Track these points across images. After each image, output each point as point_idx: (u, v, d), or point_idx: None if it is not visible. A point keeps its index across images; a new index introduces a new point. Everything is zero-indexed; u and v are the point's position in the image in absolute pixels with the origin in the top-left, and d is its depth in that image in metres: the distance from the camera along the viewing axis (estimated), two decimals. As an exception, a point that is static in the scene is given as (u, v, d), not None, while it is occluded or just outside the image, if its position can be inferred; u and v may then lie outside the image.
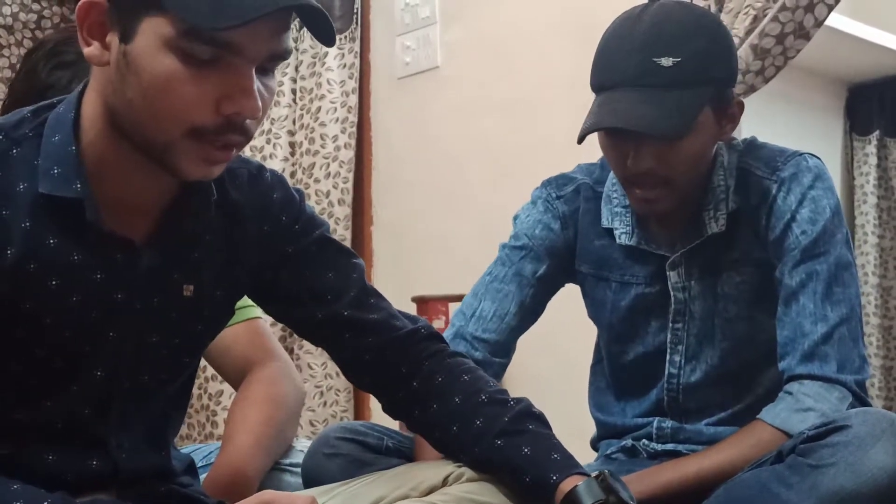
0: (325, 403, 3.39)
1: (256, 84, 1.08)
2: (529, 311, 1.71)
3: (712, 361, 1.62)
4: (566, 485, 1.19)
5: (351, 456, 1.49)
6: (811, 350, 1.49)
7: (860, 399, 1.48)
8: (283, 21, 1.08)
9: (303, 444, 1.62)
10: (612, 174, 1.64)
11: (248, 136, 1.11)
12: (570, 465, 1.22)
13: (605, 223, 1.66)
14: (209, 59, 1.05)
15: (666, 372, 1.64)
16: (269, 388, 1.61)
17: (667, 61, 1.44)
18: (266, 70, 1.10)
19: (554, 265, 1.71)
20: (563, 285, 1.77)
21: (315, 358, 3.41)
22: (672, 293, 1.62)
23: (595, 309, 1.74)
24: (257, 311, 1.70)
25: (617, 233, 1.64)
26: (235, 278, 1.30)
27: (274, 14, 1.03)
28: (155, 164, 1.11)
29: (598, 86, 1.53)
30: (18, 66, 3.51)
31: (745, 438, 1.48)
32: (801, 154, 1.59)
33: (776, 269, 1.56)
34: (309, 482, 1.51)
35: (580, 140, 1.51)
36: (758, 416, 1.49)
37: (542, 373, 2.62)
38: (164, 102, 1.05)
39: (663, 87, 1.45)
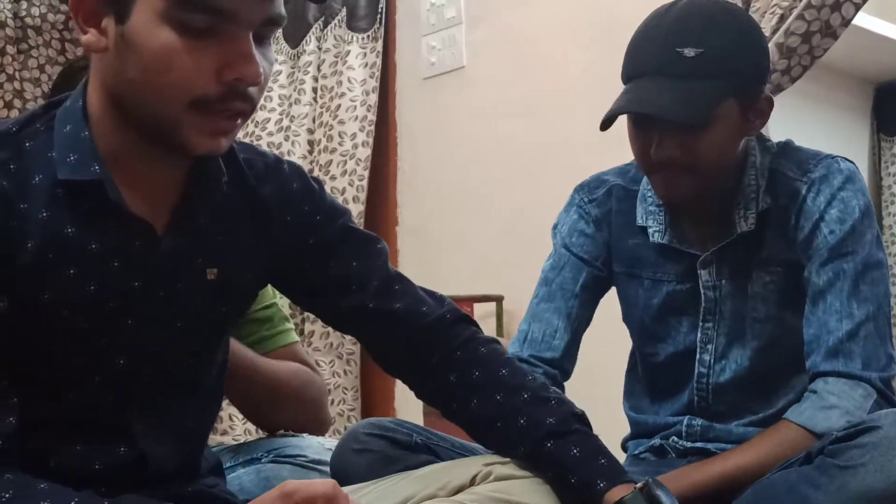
0: (332, 402, 3.41)
1: (255, 53, 1.09)
2: (579, 321, 1.73)
3: (741, 362, 1.62)
4: (613, 494, 1.19)
5: (380, 452, 1.48)
6: (836, 347, 1.49)
7: (885, 396, 1.47)
8: None
9: (330, 443, 1.63)
10: None
11: (252, 104, 1.12)
12: (617, 472, 1.22)
13: (639, 221, 1.68)
14: (205, 29, 1.05)
15: (696, 371, 1.64)
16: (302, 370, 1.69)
17: (690, 52, 1.46)
18: (262, 39, 1.11)
19: (595, 270, 1.74)
20: (609, 288, 1.78)
21: (323, 355, 3.44)
22: (703, 292, 1.62)
23: (628, 308, 1.75)
24: (294, 336, 1.75)
25: (650, 231, 1.66)
26: (261, 263, 1.30)
27: None
28: (163, 145, 1.12)
29: (625, 76, 1.55)
30: (47, 67, 3.56)
31: (771, 438, 1.47)
32: (834, 157, 1.59)
33: (804, 270, 1.56)
34: (337, 477, 1.49)
35: (603, 127, 1.54)
36: (784, 416, 1.48)
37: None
38: (164, 76, 1.06)
39: (685, 76, 1.47)
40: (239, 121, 1.12)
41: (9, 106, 3.48)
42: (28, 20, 3.57)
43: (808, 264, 1.55)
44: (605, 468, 1.22)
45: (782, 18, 2.21)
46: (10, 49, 3.51)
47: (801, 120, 3.50)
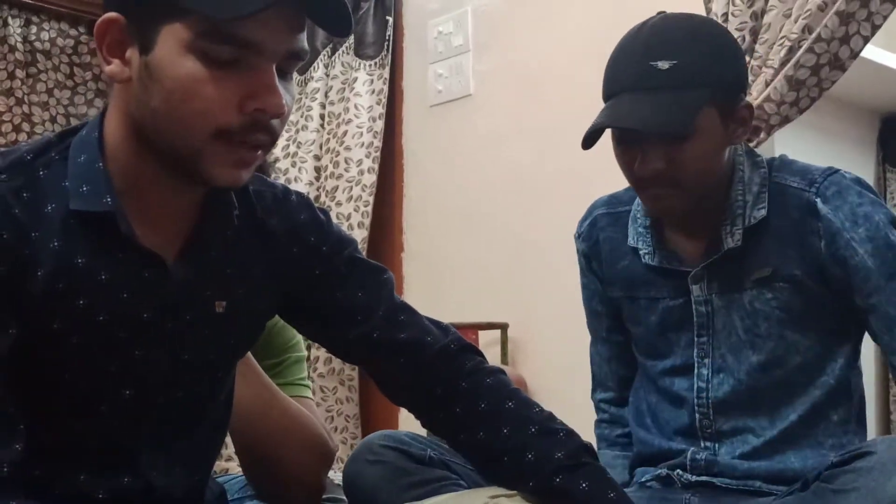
0: (336, 429, 3.42)
1: (278, 85, 1.09)
2: (622, 355, 1.83)
3: (740, 376, 1.62)
4: None
5: (393, 464, 1.50)
6: None
7: None
8: (298, 19, 1.09)
9: (339, 478, 1.62)
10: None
11: (274, 136, 1.12)
12: None
13: (630, 242, 1.70)
14: (230, 60, 1.06)
15: (695, 386, 1.65)
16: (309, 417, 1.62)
17: (664, 64, 1.48)
18: (285, 73, 1.11)
19: (608, 312, 1.81)
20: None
21: (326, 381, 3.44)
22: (695, 307, 1.64)
23: (632, 328, 1.76)
24: (308, 392, 1.71)
25: (641, 253, 1.68)
26: (269, 295, 1.31)
27: (288, 4, 1.05)
28: (183, 175, 1.12)
29: (604, 95, 1.57)
30: (56, 91, 3.57)
31: None
32: (837, 170, 1.60)
33: (820, 282, 1.57)
34: (350, 487, 1.52)
35: (586, 145, 1.55)
36: None
37: (565, 389, 2.61)
38: (188, 106, 1.06)
39: (661, 88, 1.48)
40: (259, 153, 1.12)
41: (17, 129, 3.50)
42: (37, 44, 3.59)
43: (852, 290, 1.55)
44: (615, 501, 1.22)
45: (791, 51, 2.21)
46: (20, 73, 3.52)
47: (807, 150, 3.49)
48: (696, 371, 1.65)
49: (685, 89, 1.48)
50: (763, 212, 1.57)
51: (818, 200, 1.56)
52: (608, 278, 1.75)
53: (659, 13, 1.58)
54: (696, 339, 1.65)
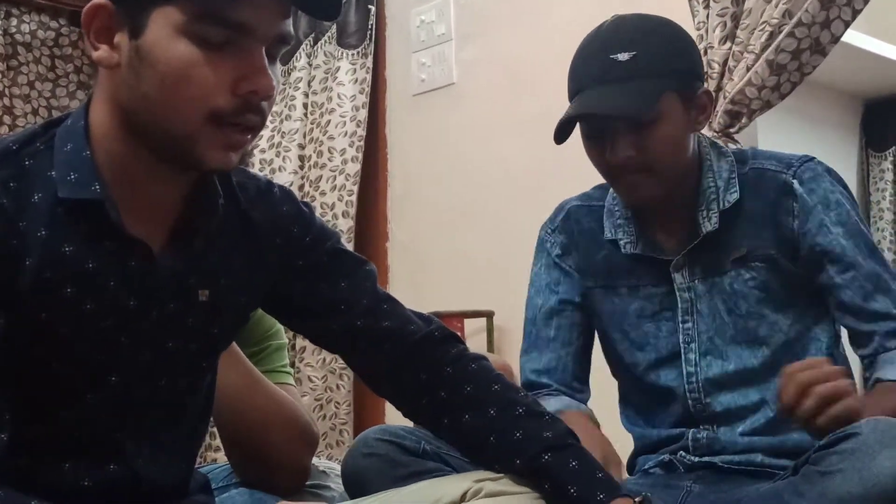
0: (324, 416, 3.43)
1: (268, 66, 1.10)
2: (581, 352, 1.79)
3: (727, 357, 1.65)
4: None
5: (387, 457, 1.52)
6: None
7: None
8: (286, 3, 1.10)
9: (325, 465, 1.63)
10: (611, 190, 1.72)
11: (263, 118, 1.13)
12: (614, 485, 1.23)
13: (608, 235, 1.73)
14: (222, 42, 1.06)
15: (684, 372, 1.66)
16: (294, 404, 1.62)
17: (624, 56, 1.54)
18: (272, 57, 1.12)
19: (580, 305, 1.79)
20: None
21: (315, 371, 3.44)
22: (678, 293, 1.67)
23: (604, 324, 1.77)
24: (289, 378, 1.71)
25: (621, 243, 1.71)
26: (253, 285, 1.31)
27: None
28: (173, 161, 1.13)
29: (570, 93, 1.62)
30: (37, 83, 3.55)
31: None
32: (810, 157, 1.67)
33: (793, 261, 1.61)
34: (347, 480, 1.55)
35: (557, 139, 1.62)
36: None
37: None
38: (182, 89, 1.07)
39: (623, 79, 1.54)
40: (250, 136, 1.13)
41: (-1, 122, 3.48)
42: (18, 37, 3.57)
43: (820, 269, 1.60)
44: (604, 481, 1.22)
45: (772, 36, 2.22)
46: (0, 65, 3.50)
47: (790, 136, 3.52)
48: (683, 357, 1.67)
49: (645, 78, 1.54)
50: (736, 195, 1.63)
51: (795, 182, 1.62)
52: (583, 269, 1.77)
53: (614, 16, 1.63)
54: (681, 325, 1.67)
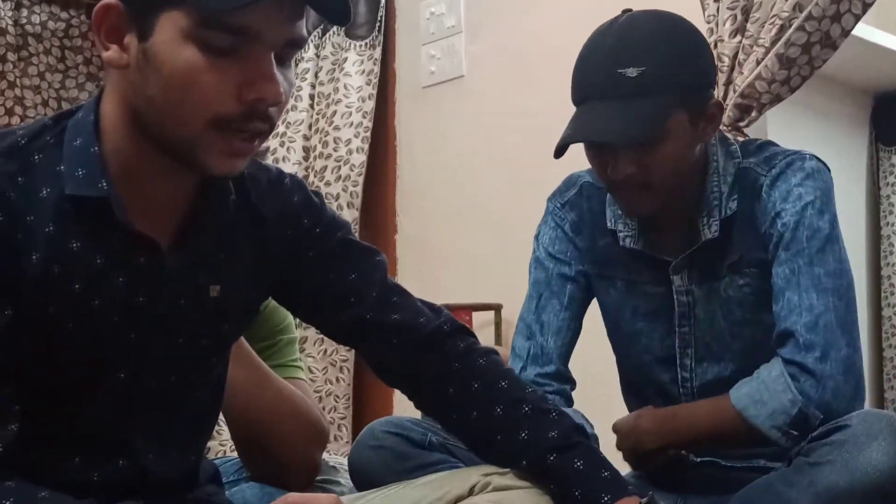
0: (324, 409, 3.41)
1: (276, 73, 1.09)
2: (572, 332, 1.74)
3: (723, 364, 1.62)
4: None
5: (394, 449, 1.53)
6: (795, 336, 1.49)
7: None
8: (297, 7, 1.08)
9: (334, 460, 1.63)
10: None
11: (271, 125, 1.12)
12: (621, 485, 1.22)
13: (609, 224, 1.68)
14: (228, 48, 1.06)
15: (679, 376, 1.65)
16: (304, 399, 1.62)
17: (632, 71, 1.48)
18: (283, 60, 1.11)
19: (580, 280, 1.74)
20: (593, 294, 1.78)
21: (317, 362, 3.44)
22: (676, 297, 1.63)
23: (603, 314, 1.75)
24: (301, 373, 1.71)
25: (621, 235, 1.66)
26: (262, 280, 1.31)
27: None
28: (179, 162, 1.12)
29: (574, 100, 1.57)
30: (48, 74, 3.56)
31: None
32: (803, 154, 1.59)
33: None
34: (354, 472, 1.56)
35: (557, 155, 1.56)
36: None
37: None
38: (186, 94, 1.06)
39: (629, 96, 1.48)
40: (256, 142, 1.12)
41: (10, 113, 3.49)
42: (28, 28, 3.57)
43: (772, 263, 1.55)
44: (609, 481, 1.22)
45: (782, 29, 2.22)
46: (11, 56, 3.51)
47: (800, 130, 3.51)
48: (678, 361, 1.65)
49: (654, 95, 1.48)
50: (737, 202, 1.58)
51: (766, 182, 1.57)
52: (585, 252, 1.73)
53: (625, 11, 1.57)
54: (677, 329, 1.64)
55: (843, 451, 1.30)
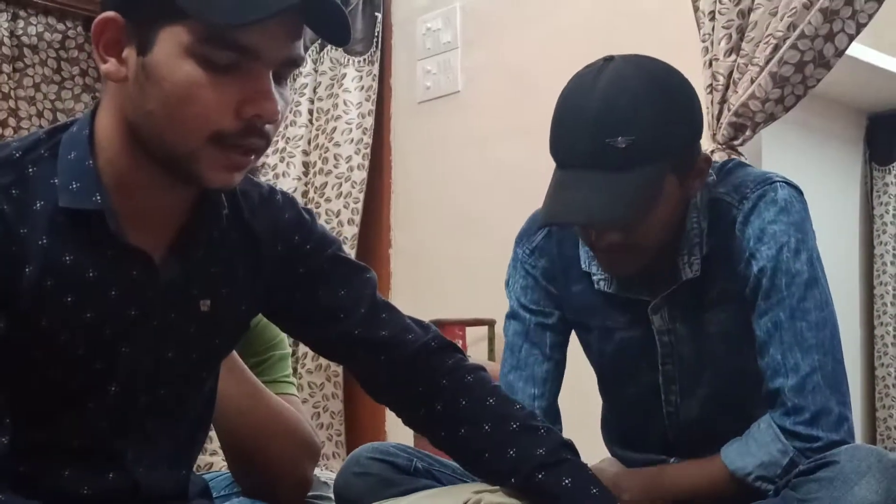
0: (321, 425, 3.42)
1: (274, 91, 1.09)
2: (554, 379, 1.69)
3: (709, 399, 1.59)
4: None
5: (380, 476, 1.52)
6: (784, 401, 1.44)
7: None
8: (297, 27, 1.09)
9: (326, 476, 1.63)
10: None
11: (268, 141, 1.13)
12: (609, 501, 1.22)
13: (583, 267, 1.62)
14: (228, 65, 1.06)
15: (664, 411, 1.62)
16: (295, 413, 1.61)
17: (622, 142, 1.37)
18: (281, 78, 1.11)
19: (558, 327, 1.69)
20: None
21: (314, 377, 3.44)
22: (657, 336, 1.58)
23: (586, 353, 1.72)
24: (292, 389, 1.71)
25: (595, 279, 1.60)
26: (253, 294, 1.31)
27: (290, 13, 1.05)
28: (176, 175, 1.13)
29: (556, 160, 1.48)
30: (43, 86, 3.56)
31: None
32: (774, 182, 1.50)
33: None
34: (339, 499, 1.54)
35: (545, 226, 1.53)
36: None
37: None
38: (185, 109, 1.07)
39: (617, 168, 1.38)
40: (253, 157, 1.13)
41: (3, 124, 3.49)
42: (24, 39, 3.58)
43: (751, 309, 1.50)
44: (598, 498, 1.22)
45: (776, 48, 2.22)
46: (6, 67, 3.51)
47: (795, 149, 3.52)
48: (663, 397, 1.62)
49: (644, 165, 1.38)
50: (713, 238, 1.51)
51: (740, 217, 1.49)
52: (560, 299, 1.66)
53: (606, 59, 1.46)
54: (661, 367, 1.60)
55: (833, 489, 1.27)
